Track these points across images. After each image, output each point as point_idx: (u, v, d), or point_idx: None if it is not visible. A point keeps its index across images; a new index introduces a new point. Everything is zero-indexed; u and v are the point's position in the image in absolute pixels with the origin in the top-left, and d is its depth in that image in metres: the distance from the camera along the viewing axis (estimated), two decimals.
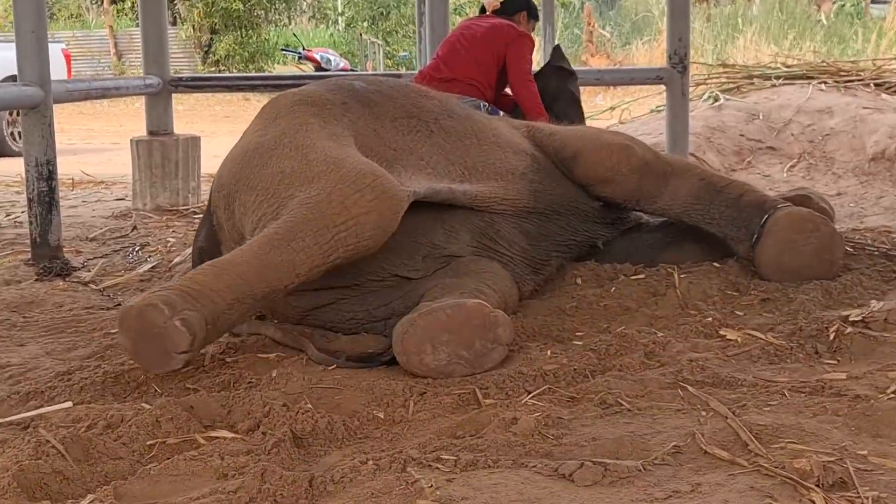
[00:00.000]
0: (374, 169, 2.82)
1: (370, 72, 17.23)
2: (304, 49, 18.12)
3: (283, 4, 21.62)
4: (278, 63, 20.62)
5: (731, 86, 8.40)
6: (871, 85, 7.85)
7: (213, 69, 20.42)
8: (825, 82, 7.97)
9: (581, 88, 5.24)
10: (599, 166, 3.53)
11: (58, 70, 9.43)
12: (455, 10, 18.40)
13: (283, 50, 19.31)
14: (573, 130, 3.71)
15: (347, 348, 2.82)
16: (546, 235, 3.43)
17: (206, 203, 5.95)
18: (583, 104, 5.13)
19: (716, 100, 8.00)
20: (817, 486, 1.82)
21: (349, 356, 2.72)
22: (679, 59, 5.93)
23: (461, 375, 2.55)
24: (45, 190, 4.24)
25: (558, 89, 4.90)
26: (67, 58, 11.40)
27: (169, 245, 4.72)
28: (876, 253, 3.73)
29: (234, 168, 3.00)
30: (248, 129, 3.19)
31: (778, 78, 8.40)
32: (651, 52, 18.08)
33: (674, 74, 5.96)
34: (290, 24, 22.32)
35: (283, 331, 2.90)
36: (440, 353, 2.54)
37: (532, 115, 4.57)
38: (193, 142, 6.23)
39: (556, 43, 5.79)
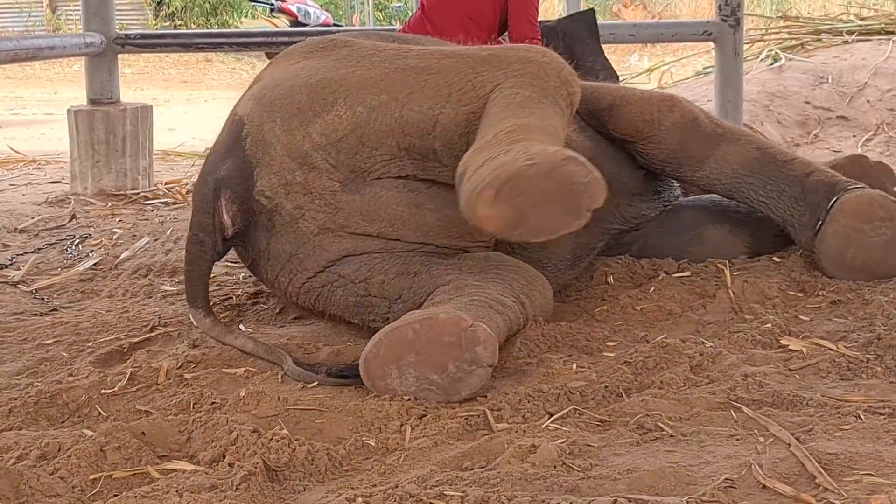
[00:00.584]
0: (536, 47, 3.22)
1: (357, 26, 17.22)
2: None
3: None
4: (246, 16, 20.61)
5: (794, 43, 8.39)
6: None
7: (166, 24, 20.42)
8: None
9: (613, 47, 5.27)
10: (637, 119, 3.59)
11: None
12: None
13: (251, 0, 19.30)
14: (605, 83, 3.82)
15: (330, 361, 2.83)
16: (598, 219, 3.46)
17: (155, 187, 6.00)
18: (613, 66, 5.15)
19: (775, 60, 8.00)
20: None
21: (330, 370, 2.73)
22: (731, 11, 5.92)
23: (436, 403, 2.54)
24: None
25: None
26: None
27: (115, 237, 4.73)
28: None
29: (305, 80, 3.10)
30: (280, 63, 3.34)
31: (851, 33, 8.38)
32: (697, 3, 18.05)
33: (724, 29, 5.95)
34: None
35: (255, 341, 2.91)
36: (407, 378, 2.56)
37: None
38: (144, 112, 6.23)
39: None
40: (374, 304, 3.01)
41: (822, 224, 3.36)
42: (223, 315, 3.36)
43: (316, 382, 2.68)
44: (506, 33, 4.87)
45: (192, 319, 3.05)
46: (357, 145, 3.01)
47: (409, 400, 2.52)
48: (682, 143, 3.57)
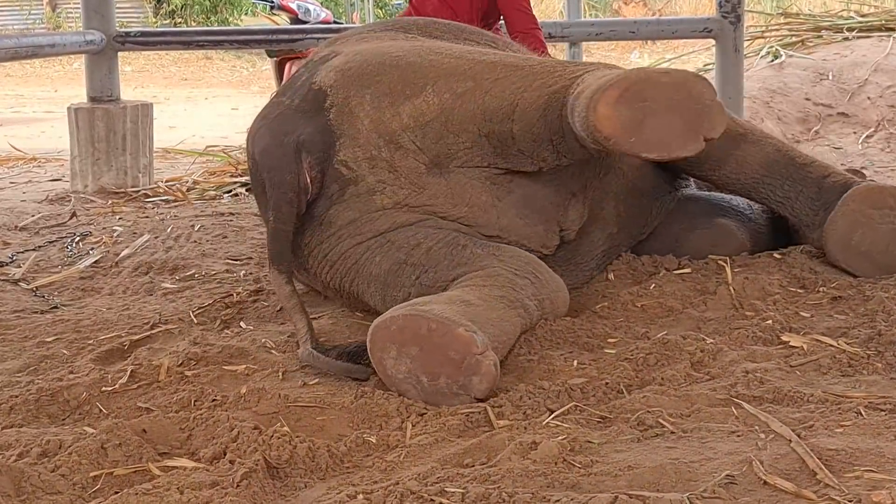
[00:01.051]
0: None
1: (357, 24, 17.21)
2: None
3: None
4: (246, 14, 20.58)
5: (795, 39, 8.39)
6: None
7: (167, 22, 20.42)
8: None
9: (613, 44, 5.26)
10: None
11: None
12: None
13: None
14: None
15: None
16: (630, 220, 3.52)
17: (155, 184, 6.00)
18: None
19: (776, 56, 8.00)
20: None
21: (342, 350, 2.77)
22: (731, 8, 5.92)
23: (413, 399, 2.54)
24: None
25: None
26: None
27: (115, 235, 4.73)
28: None
29: (396, 61, 3.18)
30: (361, 41, 3.42)
31: (851, 30, 8.38)
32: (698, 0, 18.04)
33: (725, 26, 5.95)
34: None
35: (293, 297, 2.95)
36: (401, 365, 2.56)
37: None
38: (144, 110, 6.23)
39: None
40: (404, 275, 3.01)
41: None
42: (224, 312, 3.37)
43: (317, 380, 2.68)
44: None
45: (272, 284, 3.04)
46: (442, 131, 3.07)
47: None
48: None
